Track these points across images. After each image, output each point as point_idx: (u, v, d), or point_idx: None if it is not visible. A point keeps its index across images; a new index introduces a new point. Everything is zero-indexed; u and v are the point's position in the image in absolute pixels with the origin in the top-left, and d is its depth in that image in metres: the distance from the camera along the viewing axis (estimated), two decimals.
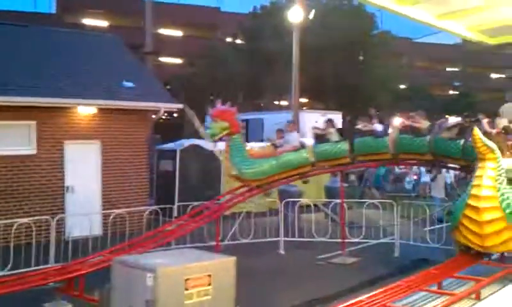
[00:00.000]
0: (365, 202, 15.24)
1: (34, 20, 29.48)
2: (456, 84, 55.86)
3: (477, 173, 7.35)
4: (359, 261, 12.35)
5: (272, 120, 23.42)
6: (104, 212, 14.26)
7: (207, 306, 6.12)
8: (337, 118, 21.53)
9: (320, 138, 11.69)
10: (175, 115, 32.01)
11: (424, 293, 6.23)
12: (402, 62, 50.08)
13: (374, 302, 5.82)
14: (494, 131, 9.70)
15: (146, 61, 23.72)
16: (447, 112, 12.35)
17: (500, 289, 6.36)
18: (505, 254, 8.27)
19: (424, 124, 11.34)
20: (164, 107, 16.22)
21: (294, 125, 12.57)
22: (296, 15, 21.99)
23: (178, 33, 48.31)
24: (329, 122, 12.08)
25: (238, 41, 39.82)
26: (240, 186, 11.44)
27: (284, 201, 14.02)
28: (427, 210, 13.92)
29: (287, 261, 12.59)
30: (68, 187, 14.46)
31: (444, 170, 17.38)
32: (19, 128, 13.95)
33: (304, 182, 13.52)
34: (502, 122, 10.04)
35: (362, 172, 22.85)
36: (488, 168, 7.27)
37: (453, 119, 11.56)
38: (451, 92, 56.61)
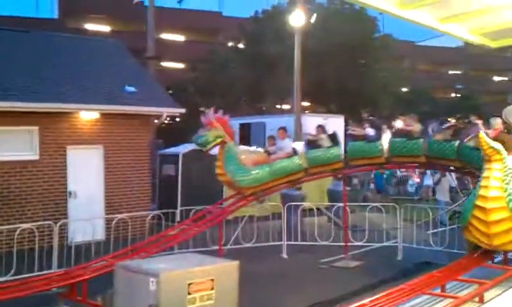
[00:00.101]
0: (368, 205, 15.24)
1: (37, 25, 29.60)
2: (458, 86, 55.79)
3: (484, 174, 7.46)
4: (362, 265, 12.34)
5: (274, 124, 23.40)
6: (106, 216, 14.26)
7: None
8: (339, 122, 21.56)
9: (312, 144, 11.67)
10: (178, 119, 32.03)
11: (427, 296, 6.21)
12: (404, 66, 50.07)
13: (377, 306, 5.81)
14: (489, 131, 9.67)
15: (148, 65, 23.74)
16: (450, 115, 12.36)
17: (503, 292, 6.34)
18: None
19: (416, 127, 11.42)
20: (166, 111, 16.24)
21: (285, 131, 12.53)
22: (297, 19, 22.04)
23: (180, 38, 48.40)
24: (320, 128, 12.08)
25: (240, 45, 39.85)
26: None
27: (287, 205, 14.02)
28: (430, 213, 13.88)
29: (290, 265, 12.57)
30: (70, 192, 14.48)
31: (447, 173, 17.38)
32: (21, 133, 13.98)
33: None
34: (497, 123, 10.04)
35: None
36: (494, 169, 7.39)
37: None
38: (453, 95, 56.55)
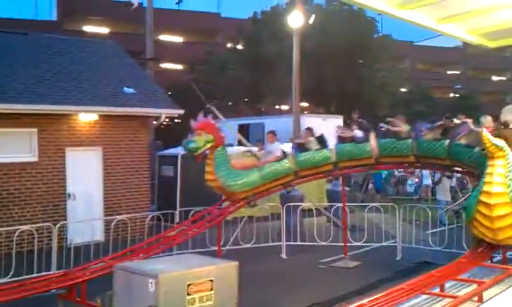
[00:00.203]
0: (367, 205, 15.25)
1: (35, 27, 29.57)
2: (457, 86, 55.86)
3: (488, 170, 7.62)
4: (361, 265, 12.34)
5: (273, 124, 23.42)
6: (105, 218, 14.28)
7: None
8: (338, 122, 21.56)
9: (301, 147, 11.66)
10: (176, 121, 32.04)
11: (426, 296, 6.21)
12: (403, 66, 50.13)
13: (377, 306, 5.81)
14: (480, 129, 9.85)
15: (147, 67, 23.75)
16: (449, 114, 12.43)
17: (502, 291, 6.35)
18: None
19: (404, 128, 11.47)
20: (165, 113, 16.25)
21: (275, 135, 12.54)
22: (295, 20, 22.06)
23: (178, 39, 48.40)
24: (309, 131, 12.07)
25: (239, 46, 39.88)
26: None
27: (286, 206, 14.02)
28: (429, 213, 13.90)
29: (289, 265, 12.58)
30: (69, 194, 14.47)
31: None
32: (20, 135, 13.98)
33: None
34: (487, 121, 10.19)
35: (365, 176, 22.87)
36: (497, 166, 7.54)
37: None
38: (452, 95, 56.62)
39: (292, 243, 13.65)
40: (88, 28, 43.22)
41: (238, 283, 6.50)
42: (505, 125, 9.19)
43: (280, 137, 13.04)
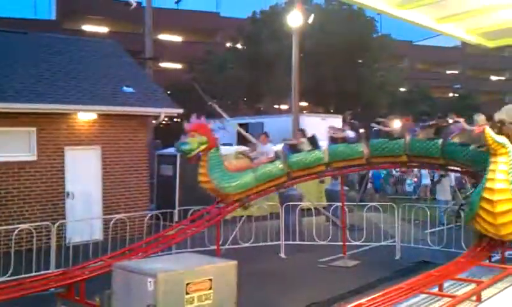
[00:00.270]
0: (365, 205, 15.26)
1: (34, 27, 29.53)
2: (456, 86, 55.90)
3: (490, 167, 7.71)
4: (360, 264, 12.36)
5: (272, 124, 23.44)
6: (104, 217, 14.28)
7: None
8: (337, 122, 21.55)
9: (293, 148, 11.66)
10: (176, 120, 32.04)
11: (424, 295, 6.21)
12: (402, 65, 50.14)
13: (375, 305, 5.81)
14: (474, 128, 10.08)
15: (146, 66, 23.74)
16: (440, 114, 12.59)
17: (501, 291, 6.35)
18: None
19: (395, 128, 11.60)
20: (164, 112, 16.24)
21: (267, 136, 12.53)
22: (295, 20, 22.04)
23: (178, 38, 48.38)
24: (300, 132, 12.07)
25: (238, 45, 39.87)
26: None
27: (285, 205, 14.02)
28: (428, 213, 13.92)
29: (288, 264, 12.59)
30: (68, 193, 14.47)
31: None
32: (19, 134, 13.98)
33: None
34: (481, 119, 10.28)
35: (363, 175, 22.87)
36: (500, 163, 7.63)
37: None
38: (451, 94, 56.66)
39: (291, 242, 13.65)
40: (87, 27, 43.18)
41: (237, 282, 6.51)
42: (502, 123, 9.24)
43: (278, 137, 13.04)
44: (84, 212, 14.00)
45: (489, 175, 7.66)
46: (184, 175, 17.59)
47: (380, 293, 6.17)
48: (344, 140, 11.69)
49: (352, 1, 11.28)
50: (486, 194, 7.61)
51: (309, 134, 11.95)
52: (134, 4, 26.82)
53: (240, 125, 25.16)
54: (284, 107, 38.91)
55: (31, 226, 11.62)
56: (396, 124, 11.93)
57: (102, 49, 18.62)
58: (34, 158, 14.06)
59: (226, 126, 23.42)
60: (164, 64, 41.81)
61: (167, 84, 32.32)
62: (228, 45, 41.03)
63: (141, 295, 5.94)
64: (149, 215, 14.19)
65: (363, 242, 13.83)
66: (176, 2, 46.70)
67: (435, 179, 18.89)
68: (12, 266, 10.49)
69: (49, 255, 11.18)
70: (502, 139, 7.67)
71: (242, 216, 14.29)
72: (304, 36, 25.20)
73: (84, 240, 12.20)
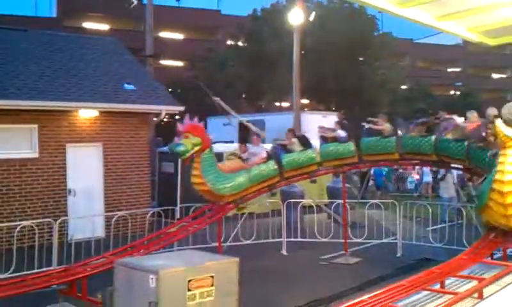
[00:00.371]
0: (367, 202, 15.26)
1: (35, 24, 29.57)
2: (458, 84, 55.86)
3: (500, 159, 7.85)
4: (361, 261, 12.37)
5: (273, 121, 23.44)
6: (106, 214, 14.29)
7: None
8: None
9: (284, 148, 11.65)
10: (177, 117, 32.06)
11: (426, 292, 6.21)
12: (404, 63, 50.10)
13: (377, 302, 5.81)
14: (467, 125, 10.45)
15: (147, 64, 23.75)
16: (432, 112, 12.74)
17: (502, 288, 6.35)
18: None
19: (386, 127, 11.73)
20: (165, 109, 16.26)
21: (259, 137, 12.53)
22: (296, 17, 22.04)
23: (179, 36, 48.36)
24: (291, 132, 12.07)
25: (239, 43, 39.85)
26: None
27: (286, 202, 14.03)
28: (430, 210, 13.92)
29: (290, 261, 12.60)
30: (70, 190, 14.49)
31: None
32: (21, 131, 14.00)
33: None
34: (473, 116, 10.66)
35: (364, 173, 22.88)
36: (509, 155, 7.75)
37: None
38: (452, 92, 56.62)
39: (292, 239, 13.66)
40: (88, 25, 43.20)
41: (238, 279, 6.51)
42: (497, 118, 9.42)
43: (279, 135, 13.07)
44: (86, 209, 14.02)
45: (499, 167, 7.78)
46: (185, 172, 17.56)
47: (381, 290, 6.17)
48: (335, 139, 11.73)
49: None
50: (496, 186, 7.72)
51: (300, 134, 12.02)
52: (135, 2, 26.83)
53: (242, 122, 25.18)
54: (285, 104, 38.92)
55: (33, 223, 11.63)
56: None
57: (103, 47, 18.62)
58: (36, 155, 14.08)
59: (232, 122, 23.47)
60: (165, 62, 41.85)
61: (168, 81, 32.34)
62: (229, 42, 41.02)
63: (143, 292, 5.95)
64: (151, 212, 14.20)
65: (364, 239, 13.84)
66: (177, 0, 46.73)
67: (439, 176, 18.85)
68: (14, 263, 10.50)
69: (51, 252, 11.20)
70: (511, 132, 7.77)
71: (244, 213, 14.30)
72: (306, 33, 25.22)
73: (86, 237, 12.23)
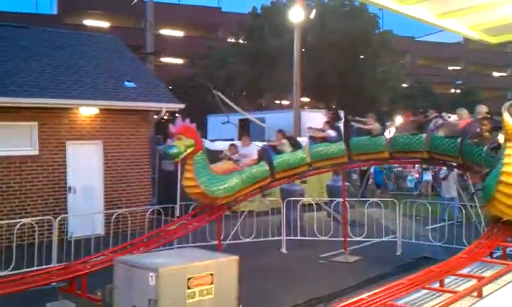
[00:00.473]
0: (367, 201, 15.26)
1: (35, 21, 29.54)
2: (458, 82, 55.82)
3: (507, 152, 7.88)
4: (361, 260, 12.37)
5: (274, 119, 23.44)
6: (106, 211, 14.30)
7: (209, 305, 6.13)
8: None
9: (274, 149, 11.64)
10: (177, 115, 32.05)
11: (425, 291, 6.21)
12: (404, 61, 50.06)
13: (376, 300, 5.80)
14: (458, 122, 10.57)
15: (148, 61, 23.74)
16: (422, 109, 12.83)
17: (502, 287, 6.35)
18: None
19: (375, 126, 11.78)
20: (165, 107, 16.25)
21: (249, 138, 12.50)
22: (296, 15, 22.02)
23: (179, 33, 48.34)
24: (280, 133, 12.06)
25: (239, 41, 39.83)
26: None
27: (286, 200, 14.03)
28: (430, 209, 13.92)
29: (289, 259, 12.59)
30: (70, 187, 14.49)
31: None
32: (21, 128, 13.99)
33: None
34: (464, 113, 10.77)
35: (364, 171, 22.90)
36: None
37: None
38: (453, 91, 56.59)
39: (292, 238, 13.66)
40: (89, 22, 43.18)
41: (238, 277, 6.52)
42: (488, 118, 9.65)
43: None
44: (86, 207, 14.03)
45: (506, 160, 7.81)
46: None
47: (381, 289, 6.17)
48: (325, 139, 11.73)
49: None
50: (503, 178, 7.76)
51: (289, 134, 12.02)
52: None
53: (242, 120, 25.20)
54: (285, 102, 38.91)
55: (33, 220, 11.64)
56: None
57: (104, 44, 18.62)
58: (36, 152, 14.08)
59: (230, 120, 23.46)
60: (166, 59, 41.82)
61: (168, 79, 32.33)
62: (229, 40, 41.00)
63: (142, 289, 5.96)
64: (150, 209, 14.21)
65: (364, 237, 13.84)
66: None
67: (441, 175, 18.85)
68: (14, 260, 10.50)
69: (51, 249, 11.19)
70: None
71: (244, 211, 14.31)
72: (306, 31, 25.21)
73: (86, 235, 12.23)
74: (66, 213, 13.86)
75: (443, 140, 10.52)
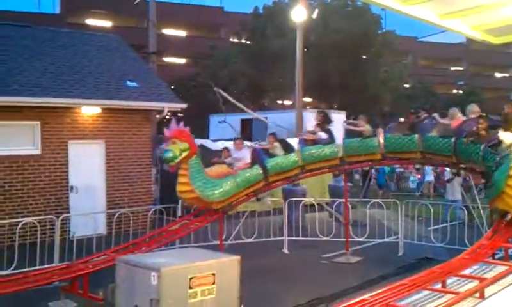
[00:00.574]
0: (369, 201, 15.25)
1: (38, 20, 29.54)
2: (460, 82, 55.76)
3: None
4: (363, 260, 12.36)
5: (276, 119, 23.41)
6: (108, 211, 14.31)
7: (210, 305, 6.13)
8: (341, 117, 21.54)
9: (266, 152, 11.60)
10: (179, 115, 32.06)
11: (427, 292, 6.20)
12: (407, 62, 50.00)
13: (378, 301, 5.80)
14: (450, 122, 10.65)
15: (150, 61, 23.75)
16: (413, 110, 12.92)
17: (504, 288, 6.34)
18: None
19: (366, 128, 11.86)
20: (167, 106, 16.25)
21: (242, 142, 12.47)
22: (299, 15, 21.99)
23: (181, 33, 48.35)
24: (273, 136, 12.04)
25: (242, 40, 39.83)
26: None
27: (288, 201, 14.02)
28: (432, 209, 13.91)
29: (291, 260, 12.60)
30: (72, 187, 14.50)
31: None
32: (24, 128, 14.01)
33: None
34: (456, 113, 10.87)
35: (366, 172, 22.89)
36: None
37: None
38: (455, 91, 56.54)
39: (294, 238, 13.67)
40: (91, 21, 43.22)
41: (240, 277, 6.52)
42: (483, 117, 9.88)
43: (281, 133, 13.04)
44: (88, 206, 14.02)
45: None
46: None
47: (383, 289, 6.17)
48: (315, 142, 11.72)
49: None
50: None
51: (281, 138, 12.02)
52: None
53: (244, 120, 25.19)
54: (287, 102, 38.89)
55: (35, 220, 11.64)
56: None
57: (106, 43, 18.63)
58: (38, 152, 14.09)
59: (227, 120, 23.43)
60: (168, 59, 41.84)
61: (170, 78, 32.34)
62: (231, 40, 41.00)
63: (144, 289, 5.96)
64: (152, 209, 14.21)
65: (366, 238, 13.83)
66: None
67: (446, 178, 18.83)
68: (16, 259, 10.50)
69: (53, 249, 11.19)
70: None
71: (245, 211, 14.31)
72: (308, 31, 25.18)
73: (88, 234, 12.23)
74: (69, 212, 13.86)
75: (437, 140, 10.59)
